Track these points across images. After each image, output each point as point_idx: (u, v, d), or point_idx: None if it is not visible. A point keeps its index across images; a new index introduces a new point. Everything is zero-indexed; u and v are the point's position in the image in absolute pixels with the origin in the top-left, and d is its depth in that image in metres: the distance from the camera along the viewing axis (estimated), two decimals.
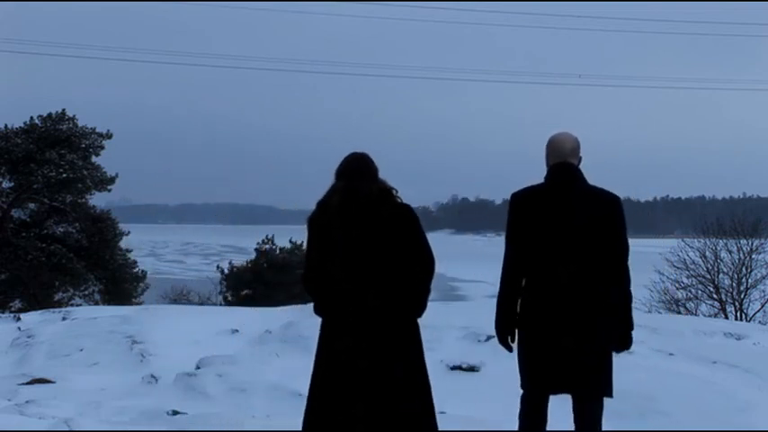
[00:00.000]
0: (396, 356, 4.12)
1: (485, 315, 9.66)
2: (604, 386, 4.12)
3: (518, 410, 4.25)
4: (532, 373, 4.15)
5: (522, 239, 4.17)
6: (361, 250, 4.17)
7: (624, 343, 4.22)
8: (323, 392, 4.13)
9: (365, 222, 4.18)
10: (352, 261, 4.17)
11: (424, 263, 4.27)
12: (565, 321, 4.04)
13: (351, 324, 4.12)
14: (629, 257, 4.19)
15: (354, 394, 4.06)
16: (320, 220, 4.26)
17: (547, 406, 4.20)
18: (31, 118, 25.73)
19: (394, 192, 4.30)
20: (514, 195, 4.28)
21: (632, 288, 4.24)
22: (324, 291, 4.23)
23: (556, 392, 4.16)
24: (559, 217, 4.10)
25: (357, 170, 4.27)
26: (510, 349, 4.25)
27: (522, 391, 4.24)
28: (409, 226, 4.24)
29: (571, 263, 4.06)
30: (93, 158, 26.25)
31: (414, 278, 4.25)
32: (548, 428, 4.27)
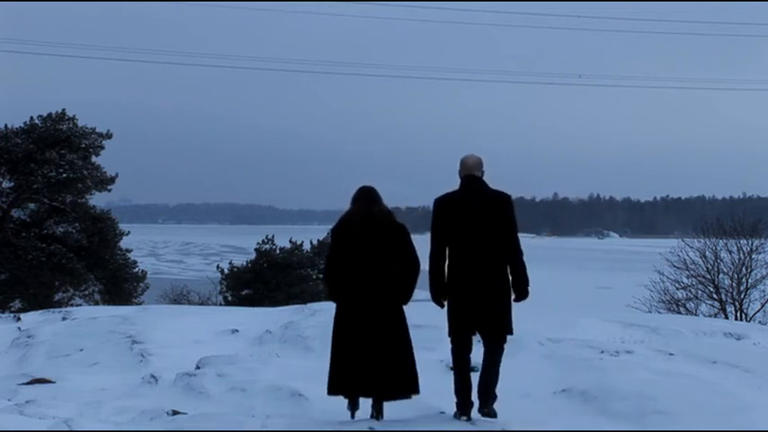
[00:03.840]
0: (389, 325, 5.95)
1: None
2: (507, 327, 5.91)
3: (450, 354, 6.08)
4: (457, 322, 5.92)
5: (443, 231, 5.92)
6: (369, 255, 5.95)
7: (523, 295, 5.90)
8: (339, 352, 6.00)
9: (373, 235, 5.98)
10: (362, 262, 5.96)
11: (411, 267, 6.02)
12: (477, 286, 5.80)
13: (357, 306, 5.94)
14: (519, 237, 5.92)
15: (359, 353, 5.87)
16: (341, 231, 6.11)
17: (470, 343, 6.00)
18: (31, 118, 25.67)
19: (393, 213, 6.14)
20: (437, 200, 6.02)
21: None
22: (339, 282, 6.05)
23: (474, 333, 5.95)
24: (468, 213, 5.84)
25: (368, 198, 6.13)
26: (442, 306, 6.02)
27: (450, 336, 6.01)
28: (403, 240, 6.04)
29: (478, 245, 5.80)
30: (93, 158, 26.17)
31: (403, 278, 6.01)
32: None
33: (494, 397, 5.88)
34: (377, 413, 5.91)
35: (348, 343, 5.94)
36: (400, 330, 6.00)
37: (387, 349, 5.89)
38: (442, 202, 5.97)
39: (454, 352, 6.02)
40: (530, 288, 5.92)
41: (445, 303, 5.99)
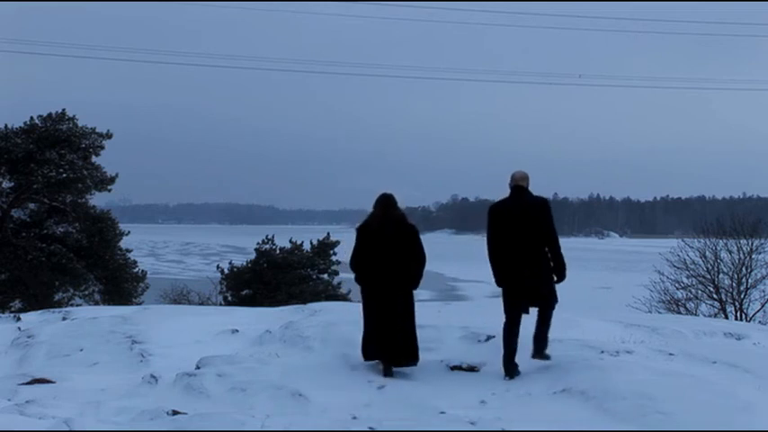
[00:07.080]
0: (399, 305, 7.66)
1: (485, 315, 9.65)
2: (554, 299, 7.52)
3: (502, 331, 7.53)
4: (511, 303, 7.49)
5: (498, 230, 7.53)
6: (385, 250, 7.64)
7: (562, 277, 7.44)
8: (369, 322, 7.72)
9: (390, 234, 7.66)
10: (380, 256, 7.65)
11: (420, 261, 7.75)
12: (526, 271, 7.33)
13: (377, 290, 7.68)
14: (556, 231, 7.47)
15: (381, 321, 7.63)
16: (365, 230, 7.80)
17: (519, 321, 7.47)
18: (31, 118, 25.64)
19: (406, 216, 7.84)
20: (491, 206, 7.72)
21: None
22: (363, 270, 7.76)
23: (527, 311, 7.48)
24: (517, 216, 7.44)
25: (386, 203, 7.81)
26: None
27: (505, 314, 7.51)
28: (414, 239, 7.76)
29: (523, 239, 7.35)
30: (93, 158, 26.12)
31: (413, 268, 7.72)
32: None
33: (545, 344, 7.44)
34: (387, 372, 7.48)
35: (373, 318, 7.64)
36: (409, 311, 7.68)
37: (398, 326, 7.55)
38: (496, 208, 7.64)
39: (507, 326, 7.44)
40: (567, 272, 7.40)
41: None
